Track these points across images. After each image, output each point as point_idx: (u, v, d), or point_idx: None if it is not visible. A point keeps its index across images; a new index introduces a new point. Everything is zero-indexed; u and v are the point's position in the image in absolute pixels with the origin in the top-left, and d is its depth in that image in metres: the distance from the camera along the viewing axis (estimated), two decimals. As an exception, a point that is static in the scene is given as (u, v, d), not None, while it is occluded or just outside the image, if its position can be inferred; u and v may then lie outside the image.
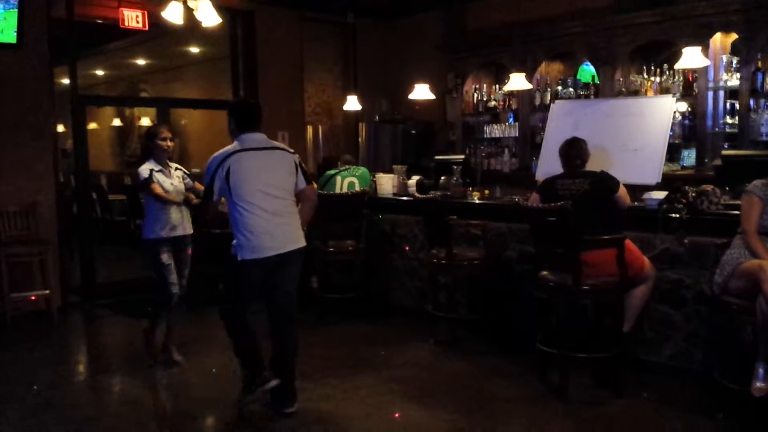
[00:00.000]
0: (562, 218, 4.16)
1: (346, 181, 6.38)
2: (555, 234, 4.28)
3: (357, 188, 6.29)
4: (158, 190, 4.82)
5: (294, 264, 4.10)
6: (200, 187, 4.67)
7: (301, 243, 4.09)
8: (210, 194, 3.94)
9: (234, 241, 3.96)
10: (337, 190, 6.32)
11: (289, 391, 4.11)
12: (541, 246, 4.51)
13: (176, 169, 5.09)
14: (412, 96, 7.65)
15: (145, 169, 4.87)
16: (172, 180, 4.96)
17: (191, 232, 5.06)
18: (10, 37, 6.31)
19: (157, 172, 4.89)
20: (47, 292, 6.44)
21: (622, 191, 4.49)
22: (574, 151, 4.61)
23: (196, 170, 11.42)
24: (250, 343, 4.11)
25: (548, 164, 5.35)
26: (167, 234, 4.86)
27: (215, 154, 3.97)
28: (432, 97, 7.78)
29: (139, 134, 13.23)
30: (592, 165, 4.69)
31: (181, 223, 4.96)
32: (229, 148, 3.99)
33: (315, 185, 4.43)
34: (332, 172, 6.45)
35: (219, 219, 4.81)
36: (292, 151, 4.18)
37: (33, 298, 6.52)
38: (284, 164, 4.07)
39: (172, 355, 5.06)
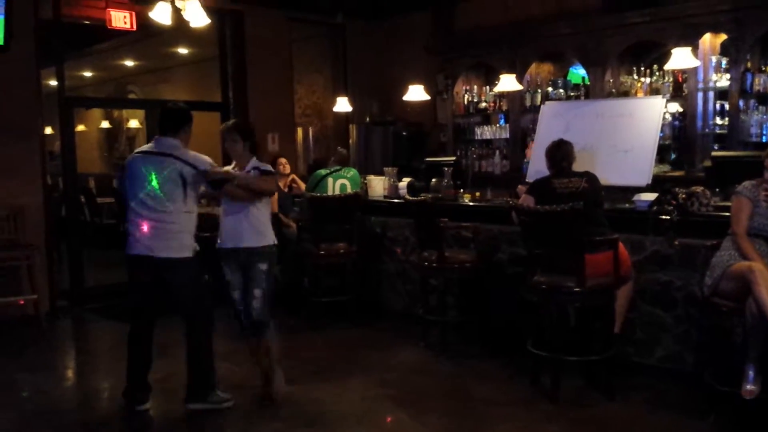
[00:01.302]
0: (573, 219, 4.11)
1: (338, 183, 6.34)
2: (561, 235, 4.24)
3: (348, 190, 6.26)
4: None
5: (171, 271, 4.13)
6: None
7: (179, 254, 4.11)
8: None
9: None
10: (329, 193, 6.29)
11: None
12: (540, 248, 4.45)
13: None
14: (406, 97, 7.64)
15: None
16: None
17: None
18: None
19: None
20: (35, 296, 6.37)
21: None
22: (561, 153, 4.63)
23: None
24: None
25: (539, 166, 5.34)
26: None
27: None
28: (426, 98, 7.76)
29: (128, 136, 13.17)
30: (583, 166, 4.71)
31: None
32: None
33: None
34: (323, 172, 6.41)
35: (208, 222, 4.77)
36: (185, 159, 4.10)
37: (21, 302, 6.46)
38: (166, 172, 4.07)
39: None
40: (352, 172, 6.51)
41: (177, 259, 4.10)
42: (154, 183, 4.07)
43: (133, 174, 4.14)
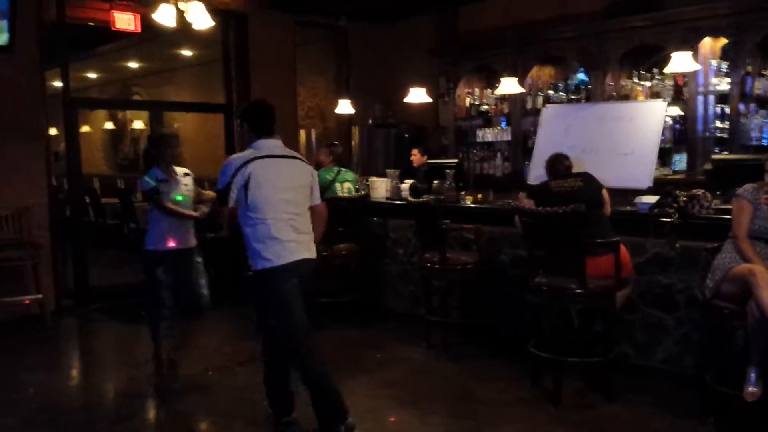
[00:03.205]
0: (574, 221, 4.13)
1: (345, 186, 6.45)
2: (562, 237, 4.27)
3: (353, 192, 6.34)
4: (171, 206, 4.65)
5: (311, 276, 3.86)
6: (209, 194, 4.63)
7: (314, 254, 3.86)
8: (226, 199, 3.64)
9: (254, 256, 3.66)
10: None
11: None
12: (541, 249, 4.49)
13: (185, 174, 4.89)
14: (407, 99, 7.67)
15: (149, 181, 4.68)
16: (179, 188, 4.79)
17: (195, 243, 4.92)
18: (1, 39, 6.28)
19: (162, 182, 4.70)
20: (40, 296, 6.41)
21: (605, 192, 4.58)
22: (558, 160, 4.75)
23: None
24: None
25: (540, 168, 5.38)
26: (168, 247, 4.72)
27: (231, 159, 3.71)
28: (428, 100, 7.80)
29: (132, 137, 13.20)
30: (584, 169, 4.75)
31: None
32: (245, 153, 3.71)
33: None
34: (329, 177, 6.41)
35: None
36: (308, 162, 3.98)
37: (26, 302, 6.49)
38: (304, 175, 3.85)
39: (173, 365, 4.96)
40: (351, 175, 6.59)
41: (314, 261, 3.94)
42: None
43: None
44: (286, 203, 3.69)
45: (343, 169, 6.57)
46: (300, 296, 3.71)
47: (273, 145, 3.81)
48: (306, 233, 3.80)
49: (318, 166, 6.79)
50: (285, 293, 3.66)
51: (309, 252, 3.79)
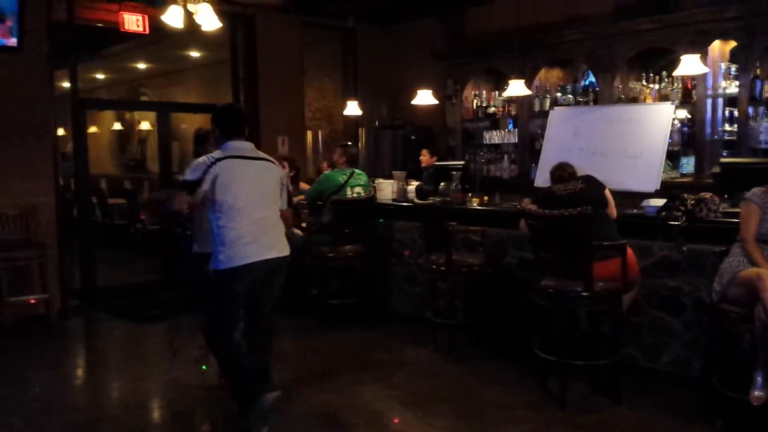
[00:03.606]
0: (580, 223, 4.12)
1: (355, 190, 6.46)
2: (568, 240, 4.25)
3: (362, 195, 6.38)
4: None
5: (280, 273, 3.98)
6: None
7: (287, 251, 3.97)
8: (195, 189, 3.69)
9: (215, 255, 3.76)
10: None
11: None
12: (547, 252, 4.48)
13: None
14: (414, 101, 7.67)
15: None
16: None
17: None
18: (11, 40, 6.31)
19: None
20: (47, 295, 6.44)
21: (608, 192, 4.57)
22: (562, 168, 4.75)
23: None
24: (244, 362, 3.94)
25: (547, 171, 5.36)
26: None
27: (200, 160, 3.79)
28: (435, 102, 7.80)
29: (139, 138, 13.25)
30: (592, 171, 4.73)
31: None
32: (215, 153, 3.80)
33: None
34: (341, 180, 6.39)
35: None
36: (278, 165, 4.09)
37: (32, 301, 6.52)
38: (273, 177, 3.95)
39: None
40: (364, 178, 6.57)
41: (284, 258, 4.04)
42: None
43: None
44: (252, 203, 3.78)
45: (357, 171, 6.57)
46: (244, 297, 3.82)
47: (242, 146, 3.88)
48: (272, 234, 3.90)
49: (331, 165, 6.81)
50: (233, 294, 3.78)
51: (276, 251, 3.88)
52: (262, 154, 3.98)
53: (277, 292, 4.02)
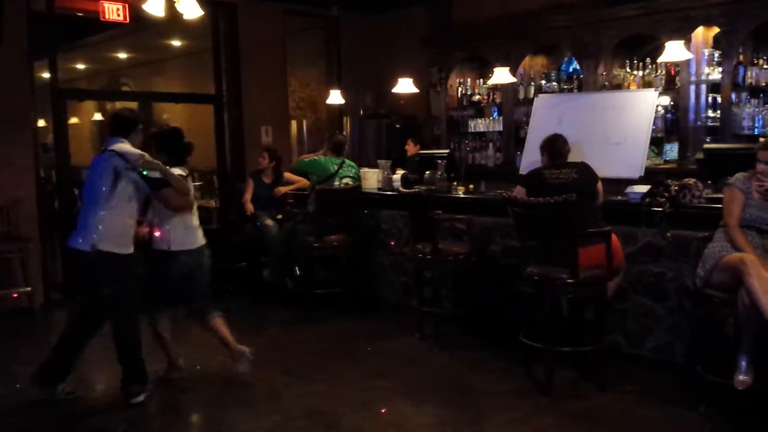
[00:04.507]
0: (565, 210, 4.12)
1: (344, 181, 6.46)
2: (553, 227, 4.25)
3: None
4: None
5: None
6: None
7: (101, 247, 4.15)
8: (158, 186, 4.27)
9: None
10: None
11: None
12: (533, 240, 4.48)
13: None
14: (395, 90, 7.64)
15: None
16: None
17: None
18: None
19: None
20: (29, 289, 6.38)
21: (600, 184, 4.58)
22: (557, 144, 4.69)
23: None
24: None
25: (532, 158, 5.37)
26: None
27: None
28: (415, 90, 7.77)
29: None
30: (575, 158, 4.73)
31: None
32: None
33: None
34: (331, 169, 6.43)
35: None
36: (128, 155, 4.18)
37: (15, 295, 6.46)
38: (100, 169, 4.21)
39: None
40: (354, 170, 6.58)
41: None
42: None
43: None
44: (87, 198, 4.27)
45: (347, 162, 6.60)
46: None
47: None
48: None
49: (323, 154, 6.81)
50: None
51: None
52: (112, 147, 4.22)
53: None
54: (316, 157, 6.62)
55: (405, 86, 7.54)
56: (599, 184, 4.58)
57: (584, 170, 4.55)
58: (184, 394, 4.50)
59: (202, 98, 8.85)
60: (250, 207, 6.90)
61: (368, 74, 9.55)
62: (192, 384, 4.63)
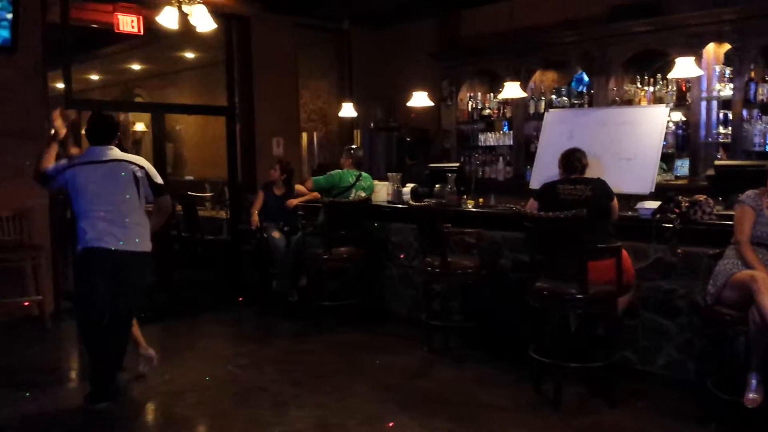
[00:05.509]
0: (576, 226, 4.12)
1: (359, 194, 6.52)
2: (563, 242, 4.24)
3: None
4: None
5: (132, 267, 4.34)
6: None
7: (141, 248, 4.35)
8: (46, 180, 4.46)
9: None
10: None
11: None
12: (543, 254, 4.46)
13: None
14: (410, 103, 7.67)
15: None
16: None
17: None
18: (4, 41, 6.29)
19: None
20: (40, 297, 6.40)
21: (615, 201, 4.55)
22: (575, 157, 4.68)
23: (189, 177, 11.36)
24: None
25: (542, 173, 5.37)
26: None
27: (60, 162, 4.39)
28: (430, 104, 7.80)
29: (133, 140, 13.20)
30: (588, 173, 4.72)
31: None
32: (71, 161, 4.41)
33: (168, 197, 4.64)
34: (350, 180, 6.50)
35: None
36: (136, 163, 4.42)
37: (26, 303, 6.49)
38: (118, 176, 4.34)
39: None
40: (369, 182, 6.64)
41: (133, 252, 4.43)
42: None
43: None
44: (96, 204, 4.28)
45: (364, 175, 6.66)
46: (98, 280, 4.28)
47: (94, 152, 4.40)
48: (124, 227, 4.31)
49: (322, 173, 6.85)
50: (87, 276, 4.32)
51: (121, 243, 4.28)
52: (115, 156, 4.40)
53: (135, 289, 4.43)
54: (332, 173, 6.65)
55: (419, 100, 7.57)
56: (614, 202, 4.55)
57: (599, 187, 4.52)
58: (192, 405, 4.49)
59: (214, 110, 8.92)
60: (255, 220, 6.90)
61: (379, 87, 9.60)
62: (199, 395, 4.63)
